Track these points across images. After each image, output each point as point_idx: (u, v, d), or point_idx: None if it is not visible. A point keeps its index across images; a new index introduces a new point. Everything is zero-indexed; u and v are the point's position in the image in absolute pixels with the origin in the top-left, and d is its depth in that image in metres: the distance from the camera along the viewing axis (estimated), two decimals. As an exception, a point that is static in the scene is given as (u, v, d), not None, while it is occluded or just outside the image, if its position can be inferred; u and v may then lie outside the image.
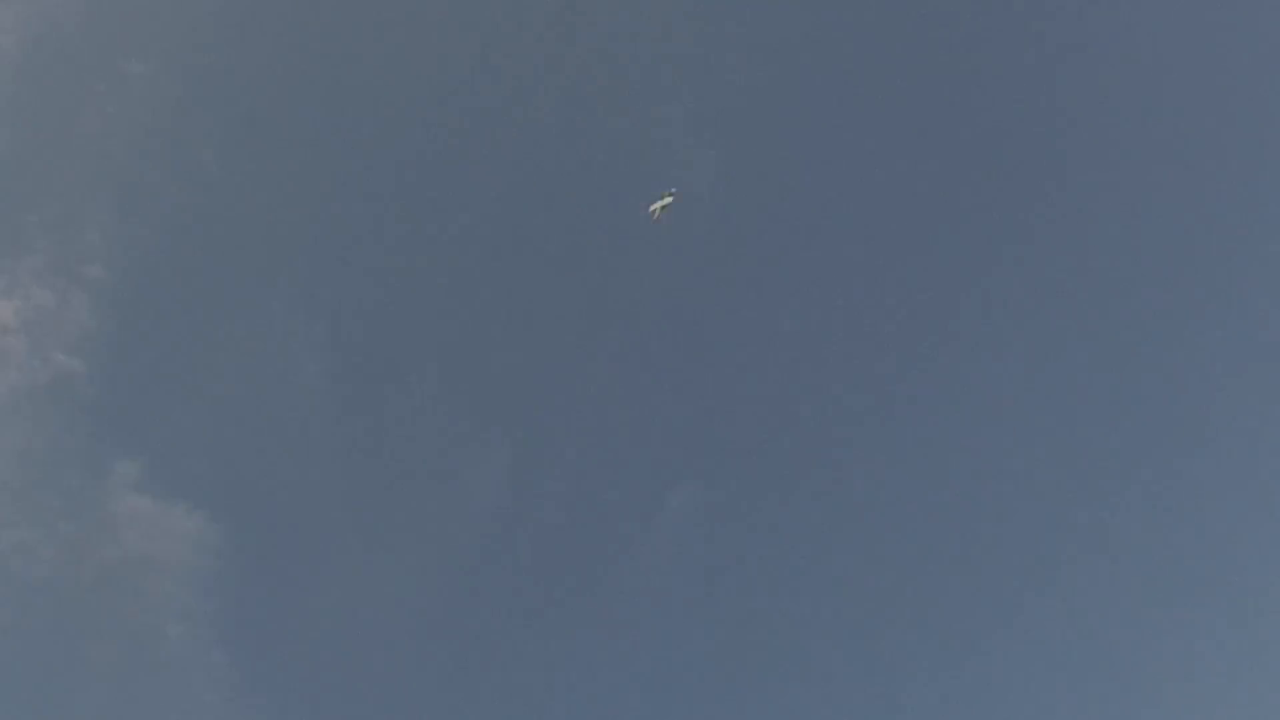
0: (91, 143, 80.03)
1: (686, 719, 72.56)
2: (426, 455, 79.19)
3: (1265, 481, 75.91)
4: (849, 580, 75.94)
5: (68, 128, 79.90)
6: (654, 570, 76.51)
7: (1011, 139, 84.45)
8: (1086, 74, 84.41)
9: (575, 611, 75.56)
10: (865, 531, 77.86)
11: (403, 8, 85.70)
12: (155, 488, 75.98)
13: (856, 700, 73.11)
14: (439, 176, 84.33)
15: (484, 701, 73.44)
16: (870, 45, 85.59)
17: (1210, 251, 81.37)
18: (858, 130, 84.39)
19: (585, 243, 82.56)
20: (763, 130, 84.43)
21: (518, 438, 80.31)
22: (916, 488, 78.80)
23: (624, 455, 79.61)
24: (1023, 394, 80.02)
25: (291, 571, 76.53)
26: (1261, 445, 76.59)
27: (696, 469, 79.04)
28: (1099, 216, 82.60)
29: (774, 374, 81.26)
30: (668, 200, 68.00)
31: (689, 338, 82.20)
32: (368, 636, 75.34)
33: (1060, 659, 73.66)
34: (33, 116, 78.86)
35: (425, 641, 75.79)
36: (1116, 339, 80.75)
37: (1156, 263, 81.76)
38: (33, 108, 79.06)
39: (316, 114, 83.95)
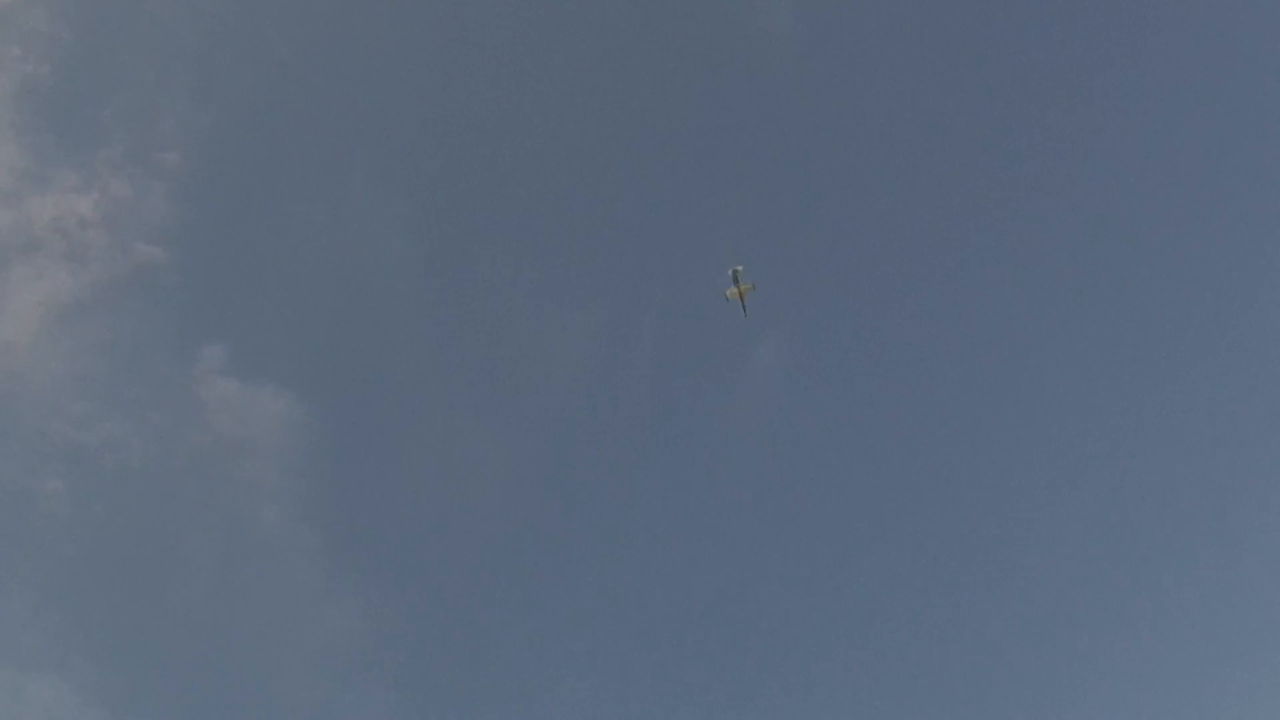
0: (164, 29, 78.58)
1: (773, 570, 73.68)
2: (513, 325, 76.28)
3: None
4: (937, 437, 76.81)
5: (139, 14, 78.62)
6: (741, 423, 73.28)
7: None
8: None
9: (665, 469, 72.75)
10: (957, 387, 78.77)
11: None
12: (242, 370, 74.63)
13: (936, 548, 74.11)
14: (520, 41, 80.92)
15: (575, 567, 70.38)
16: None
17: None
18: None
19: (667, 94, 78.36)
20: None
21: (604, 303, 76.89)
22: (1001, 353, 79.74)
23: (709, 313, 76.05)
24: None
25: (381, 447, 74.40)
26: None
27: (780, 322, 77.63)
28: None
29: (860, 223, 77.16)
30: (748, 286, 62.89)
31: (768, 190, 78.27)
32: (459, 510, 72.85)
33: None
34: (104, 3, 77.64)
35: (516, 513, 72.80)
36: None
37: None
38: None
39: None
